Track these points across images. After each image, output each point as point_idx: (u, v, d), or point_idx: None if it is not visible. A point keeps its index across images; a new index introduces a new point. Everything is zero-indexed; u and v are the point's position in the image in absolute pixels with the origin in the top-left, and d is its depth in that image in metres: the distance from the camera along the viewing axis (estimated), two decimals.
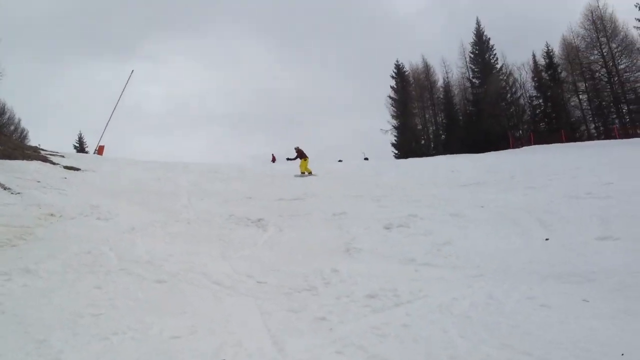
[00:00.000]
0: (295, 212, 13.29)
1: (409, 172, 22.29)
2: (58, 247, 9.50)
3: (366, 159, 45.80)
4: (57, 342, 5.17)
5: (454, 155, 37.44)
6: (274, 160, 45.28)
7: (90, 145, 62.39)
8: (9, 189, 16.79)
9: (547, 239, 8.84)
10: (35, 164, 24.19)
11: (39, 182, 18.88)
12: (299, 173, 24.01)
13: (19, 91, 79.47)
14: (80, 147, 65.96)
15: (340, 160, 40.78)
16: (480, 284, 6.69)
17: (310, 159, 25.23)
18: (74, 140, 71.34)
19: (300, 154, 25.10)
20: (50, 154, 30.31)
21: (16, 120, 53.57)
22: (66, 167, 25.14)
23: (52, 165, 25.41)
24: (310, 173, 23.88)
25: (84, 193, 17.45)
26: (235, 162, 35.94)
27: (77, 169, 25.15)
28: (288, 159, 26.75)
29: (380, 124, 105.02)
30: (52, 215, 12.90)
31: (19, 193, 16.20)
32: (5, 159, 23.24)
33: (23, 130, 54.68)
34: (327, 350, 4.95)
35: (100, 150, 43.22)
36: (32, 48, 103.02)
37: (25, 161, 24.48)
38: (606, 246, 7.90)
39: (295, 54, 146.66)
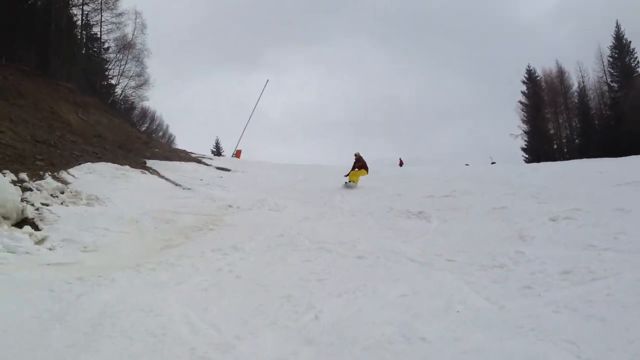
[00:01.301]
0: (453, 206, 13.78)
1: (554, 173, 22.04)
2: (252, 230, 10.67)
3: (493, 163, 45.48)
4: (301, 297, 6.15)
5: (594, 159, 36.21)
6: (401, 164, 46.02)
7: (226, 149, 65.89)
8: (179, 185, 18.60)
9: None
10: (192, 165, 26.39)
11: (201, 180, 20.66)
12: (348, 182, 20.00)
13: (156, 98, 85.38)
14: (217, 151, 69.64)
15: (467, 164, 40.82)
16: None
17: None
18: (210, 144, 75.64)
19: (361, 164, 20.78)
20: (200, 157, 32.76)
21: (164, 127, 57.52)
22: (218, 168, 27.21)
23: (205, 166, 27.57)
24: (352, 182, 19.84)
25: (244, 190, 18.88)
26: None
27: (228, 170, 27.10)
28: (346, 176, 20.68)
29: (505, 129, 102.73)
30: (230, 206, 14.23)
31: (189, 189, 17.90)
32: (166, 160, 25.54)
33: (170, 135, 58.58)
34: (544, 310, 5.52)
35: (238, 153, 45.93)
36: (166, 60, 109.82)
37: (182, 162, 26.78)
38: None
39: (415, 60, 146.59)
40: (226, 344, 4.81)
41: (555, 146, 64.26)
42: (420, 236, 10.37)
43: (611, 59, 59.99)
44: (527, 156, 63.40)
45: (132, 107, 45.42)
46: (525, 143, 64.89)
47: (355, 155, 21.34)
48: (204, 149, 67.38)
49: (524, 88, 66.24)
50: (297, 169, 29.51)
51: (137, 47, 40.91)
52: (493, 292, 6.34)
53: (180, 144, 52.26)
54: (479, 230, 10.56)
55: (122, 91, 42.11)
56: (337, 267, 7.73)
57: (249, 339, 4.94)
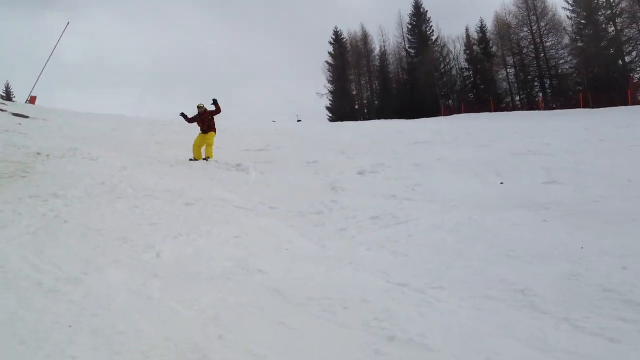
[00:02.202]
0: (268, 159, 14.49)
1: (358, 132, 23.72)
2: (69, 178, 10.40)
3: (299, 120, 47.07)
4: (137, 239, 6.38)
5: (391, 120, 39.15)
6: None
7: (18, 95, 60.80)
8: None
9: (502, 183, 10.50)
10: None
11: None
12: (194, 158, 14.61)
13: None
14: (7, 96, 63.94)
15: (274, 121, 41.96)
16: (458, 211, 8.23)
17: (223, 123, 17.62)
18: None
19: (208, 121, 15.17)
20: None
21: None
22: (15, 114, 25.20)
23: (0, 111, 25.42)
24: (207, 158, 14.60)
25: (50, 138, 17.92)
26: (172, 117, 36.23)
27: (26, 117, 25.22)
28: (185, 116, 15.64)
29: (311, 89, 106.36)
30: (38, 154, 13.56)
31: None
32: None
33: None
34: (358, 249, 6.46)
35: (32, 99, 42.60)
36: None
37: None
38: (552, 188, 9.61)
39: (225, 13, 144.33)
40: (74, 278, 4.95)
41: (356, 106, 68.20)
42: (241, 186, 10.90)
43: (410, 26, 64.76)
44: (331, 115, 66.56)
45: None
46: (330, 102, 68.04)
47: (199, 107, 15.27)
48: None
49: (330, 49, 69.05)
50: (103, 119, 28.39)
51: None
52: (314, 234, 7.17)
53: None
54: (295, 182, 11.38)
55: None
56: (167, 212, 7.97)
57: (96, 274, 5.12)
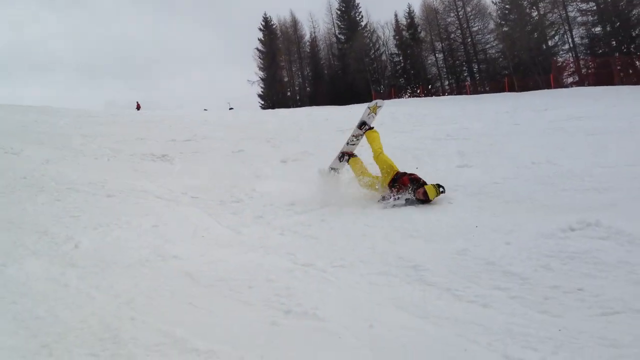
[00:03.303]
0: (195, 150, 14.64)
1: (287, 119, 24.01)
2: None
3: (231, 108, 47.16)
4: (58, 231, 6.56)
5: (322, 106, 39.64)
6: (138, 107, 45.54)
7: None
8: None
9: (417, 168, 11.05)
10: None
11: None
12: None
13: None
14: None
15: (205, 109, 41.89)
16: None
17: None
18: None
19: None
20: None
21: None
22: None
23: None
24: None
25: None
26: (94, 108, 35.51)
27: None
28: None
29: (242, 76, 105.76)
30: None
31: None
32: None
33: None
34: (272, 233, 6.86)
35: None
36: None
37: None
38: (464, 171, 10.26)
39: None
40: None
41: (289, 93, 68.58)
42: (165, 176, 11.07)
43: (339, 12, 65.45)
44: (263, 102, 66.78)
45: None
46: (262, 89, 68.19)
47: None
48: None
49: (260, 35, 69.05)
50: (26, 110, 27.59)
51: None
52: (232, 221, 7.54)
53: None
54: (220, 171, 11.65)
55: None
56: (89, 204, 8.13)
57: (15, 265, 5.31)
